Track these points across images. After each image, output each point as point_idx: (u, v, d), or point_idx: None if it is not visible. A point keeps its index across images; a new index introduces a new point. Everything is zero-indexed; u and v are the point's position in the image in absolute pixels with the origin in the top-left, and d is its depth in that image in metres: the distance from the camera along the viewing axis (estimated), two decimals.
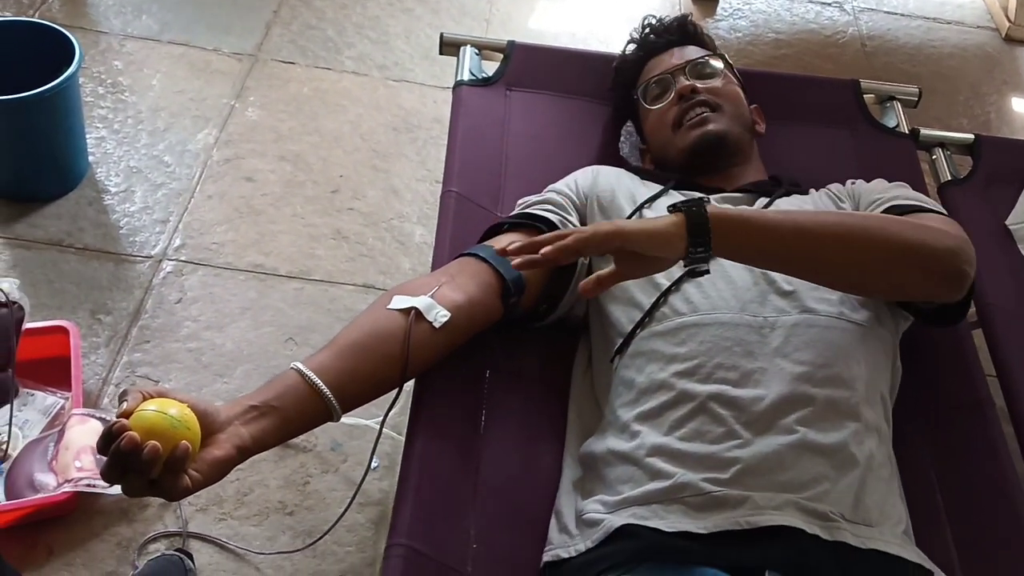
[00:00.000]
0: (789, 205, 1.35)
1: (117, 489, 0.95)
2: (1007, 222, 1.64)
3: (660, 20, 1.60)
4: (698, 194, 1.28)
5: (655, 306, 1.22)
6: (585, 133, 1.69)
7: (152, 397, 0.97)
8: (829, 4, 2.98)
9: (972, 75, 2.81)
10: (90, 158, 2.07)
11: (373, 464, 1.37)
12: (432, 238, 1.46)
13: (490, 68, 1.78)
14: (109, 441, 0.92)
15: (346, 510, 1.30)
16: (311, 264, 1.96)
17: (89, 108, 2.17)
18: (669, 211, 1.05)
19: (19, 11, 2.42)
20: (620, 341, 1.24)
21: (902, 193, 1.30)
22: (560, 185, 1.40)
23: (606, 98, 1.70)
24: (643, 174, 1.45)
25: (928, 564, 1.07)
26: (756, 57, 2.72)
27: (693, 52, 1.53)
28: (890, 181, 1.37)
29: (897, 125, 1.78)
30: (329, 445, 1.65)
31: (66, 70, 1.82)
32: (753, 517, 1.02)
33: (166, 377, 1.72)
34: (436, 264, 1.35)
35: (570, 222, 1.32)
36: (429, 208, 2.09)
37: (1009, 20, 2.95)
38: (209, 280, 1.90)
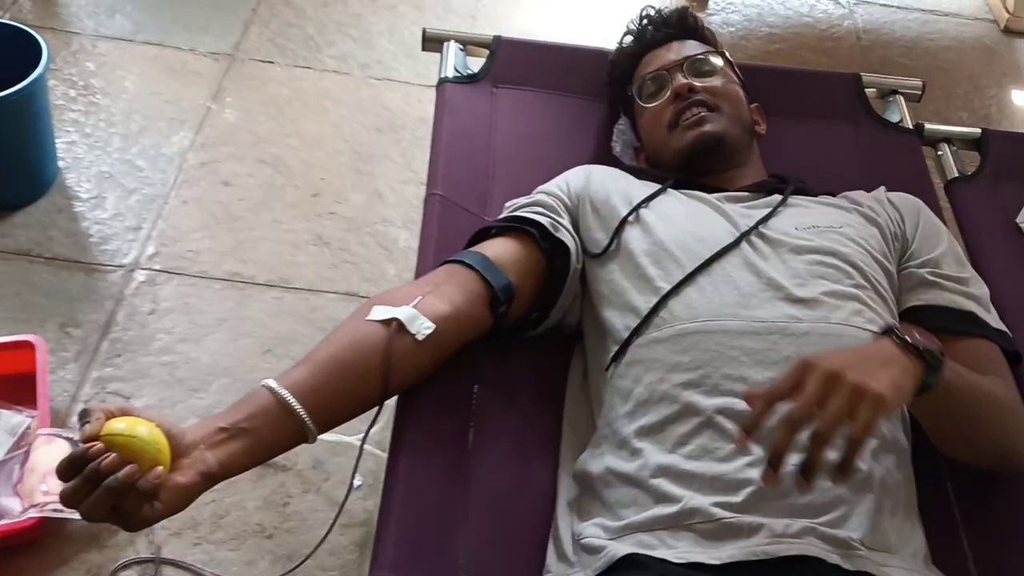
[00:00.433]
0: (803, 208, 1.29)
1: None
2: (1018, 220, 1.59)
3: (659, 12, 1.53)
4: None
5: (654, 311, 1.16)
6: (576, 131, 1.64)
7: (115, 416, 0.93)
8: None
9: (971, 68, 2.79)
10: (60, 163, 2.04)
11: (356, 483, 1.34)
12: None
13: (476, 65, 1.73)
14: (73, 467, 0.88)
15: (328, 532, 1.25)
16: (291, 272, 1.92)
17: (59, 111, 2.13)
18: (899, 343, 0.96)
19: None
20: (616, 349, 1.18)
21: (966, 290, 1.24)
22: (550, 186, 1.36)
23: (598, 95, 1.65)
24: (638, 173, 1.40)
25: None
26: (749, 52, 2.69)
27: (692, 47, 1.47)
28: (894, 178, 1.33)
29: (900, 120, 1.73)
30: (310, 463, 1.61)
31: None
32: (771, 547, 0.96)
33: (138, 393, 1.67)
34: (420, 272, 1.31)
35: (561, 225, 1.28)
36: (415, 212, 2.03)
37: (1008, 11, 2.92)
38: (184, 290, 1.86)
